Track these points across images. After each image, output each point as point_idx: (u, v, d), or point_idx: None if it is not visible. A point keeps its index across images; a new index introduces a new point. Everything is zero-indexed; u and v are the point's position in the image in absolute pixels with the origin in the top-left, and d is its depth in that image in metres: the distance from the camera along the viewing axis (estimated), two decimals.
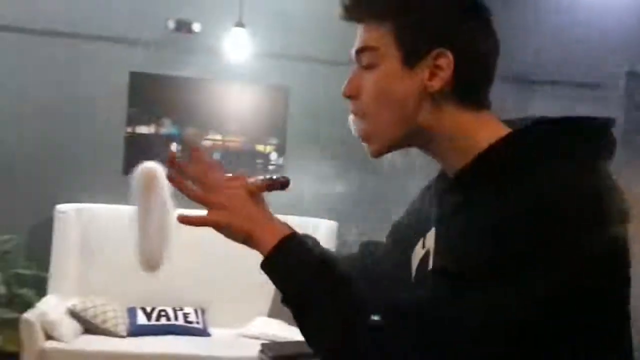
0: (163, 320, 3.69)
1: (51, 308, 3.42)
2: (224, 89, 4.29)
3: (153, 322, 3.67)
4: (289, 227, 0.90)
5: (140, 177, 2.46)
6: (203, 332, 3.73)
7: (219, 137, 4.25)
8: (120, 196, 4.05)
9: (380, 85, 0.87)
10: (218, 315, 3.84)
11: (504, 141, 0.84)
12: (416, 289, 0.93)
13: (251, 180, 0.93)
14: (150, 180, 2.43)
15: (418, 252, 0.95)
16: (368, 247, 1.11)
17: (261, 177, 0.94)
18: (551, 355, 0.77)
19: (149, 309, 3.71)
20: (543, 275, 0.73)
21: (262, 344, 3.11)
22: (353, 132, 0.91)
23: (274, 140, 4.33)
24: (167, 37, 4.14)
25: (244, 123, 4.28)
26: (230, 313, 3.83)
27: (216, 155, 4.25)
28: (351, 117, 0.91)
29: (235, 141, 4.26)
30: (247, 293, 3.72)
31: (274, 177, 0.94)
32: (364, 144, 0.90)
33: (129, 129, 4.18)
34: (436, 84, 0.84)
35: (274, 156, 4.34)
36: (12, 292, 3.45)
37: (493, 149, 0.83)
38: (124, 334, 3.55)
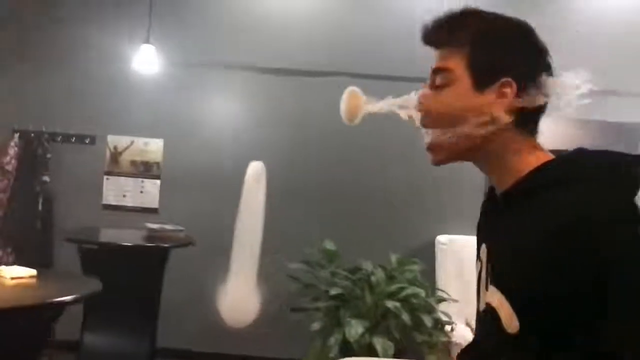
0: None
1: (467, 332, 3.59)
2: None
3: None
4: None
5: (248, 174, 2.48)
6: None
7: None
8: None
9: (451, 104, 0.97)
10: None
11: (547, 165, 0.92)
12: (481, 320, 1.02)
13: None
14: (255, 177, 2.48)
15: (477, 266, 1.05)
16: None
17: None
18: None
19: None
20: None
21: None
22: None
23: None
24: None
25: None
26: None
27: None
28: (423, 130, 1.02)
29: None
30: None
31: None
32: (428, 153, 1.01)
33: None
34: (500, 109, 0.94)
35: None
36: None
37: (536, 172, 0.92)
38: None
